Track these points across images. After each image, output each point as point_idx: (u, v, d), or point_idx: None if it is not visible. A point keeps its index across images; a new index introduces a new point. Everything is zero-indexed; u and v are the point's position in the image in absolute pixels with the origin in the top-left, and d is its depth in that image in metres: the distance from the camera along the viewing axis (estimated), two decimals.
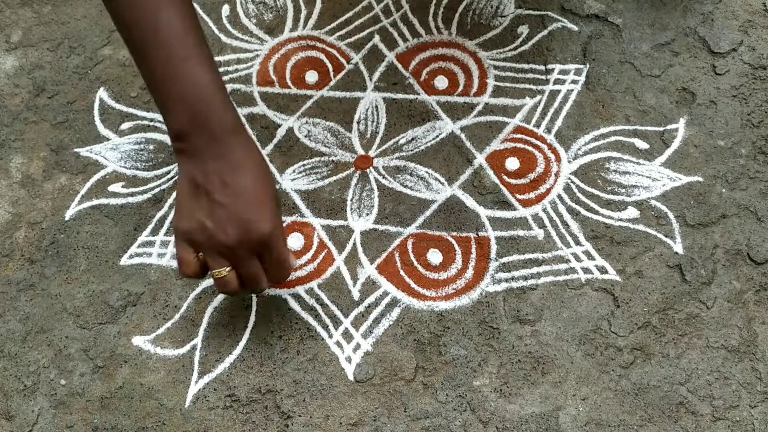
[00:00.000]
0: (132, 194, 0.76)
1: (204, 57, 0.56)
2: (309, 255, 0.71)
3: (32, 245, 0.74)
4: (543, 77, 0.80)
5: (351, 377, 0.65)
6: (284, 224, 0.73)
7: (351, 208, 0.74)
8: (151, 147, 0.79)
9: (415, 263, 0.70)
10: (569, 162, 0.75)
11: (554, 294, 0.67)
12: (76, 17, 0.89)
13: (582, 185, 0.73)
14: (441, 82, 0.80)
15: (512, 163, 0.75)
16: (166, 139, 0.79)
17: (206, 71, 0.55)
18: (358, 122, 0.79)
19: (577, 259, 0.69)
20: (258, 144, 0.58)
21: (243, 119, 0.57)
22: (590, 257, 0.69)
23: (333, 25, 0.86)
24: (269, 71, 0.83)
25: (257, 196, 0.55)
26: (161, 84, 0.56)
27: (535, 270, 0.69)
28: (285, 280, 0.62)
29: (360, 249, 0.71)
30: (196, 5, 0.88)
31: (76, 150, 0.79)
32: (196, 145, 0.55)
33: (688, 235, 0.69)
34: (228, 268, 0.57)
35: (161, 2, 0.54)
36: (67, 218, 0.75)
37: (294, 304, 0.69)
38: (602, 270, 0.68)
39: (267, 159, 0.59)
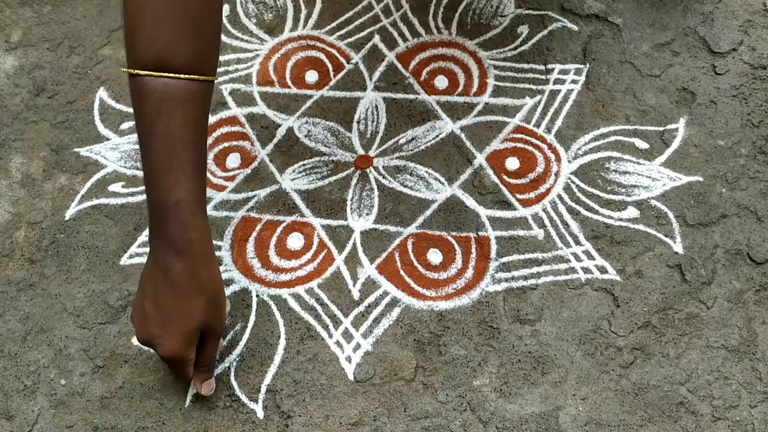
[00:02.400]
0: (132, 194, 0.76)
1: (186, 172, 0.58)
2: (309, 255, 0.71)
3: (32, 245, 0.74)
4: (543, 77, 0.80)
5: (351, 377, 0.65)
6: (284, 224, 0.73)
7: (351, 208, 0.74)
8: None
9: (415, 263, 0.70)
10: (569, 162, 0.75)
11: (554, 294, 0.67)
12: (76, 17, 0.89)
13: (582, 185, 0.73)
14: (441, 81, 0.80)
15: (512, 163, 0.75)
16: None
17: (183, 189, 0.57)
18: (358, 122, 0.79)
19: (577, 258, 0.69)
20: (217, 271, 0.61)
21: (210, 242, 0.60)
22: (590, 257, 0.69)
23: (333, 24, 0.86)
24: (269, 71, 0.83)
25: (173, 323, 0.58)
26: (146, 184, 0.59)
27: (535, 270, 0.69)
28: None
29: (360, 249, 0.71)
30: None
31: (76, 150, 0.79)
32: (154, 249, 0.59)
33: (688, 235, 0.69)
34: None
35: (164, 106, 0.56)
36: (67, 218, 0.75)
37: (294, 304, 0.69)
38: (602, 270, 0.68)
39: (221, 285, 0.63)
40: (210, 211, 0.74)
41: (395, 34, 0.85)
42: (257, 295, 0.69)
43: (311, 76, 0.82)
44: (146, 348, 0.67)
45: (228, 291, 0.70)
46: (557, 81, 0.79)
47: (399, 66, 0.82)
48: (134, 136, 0.80)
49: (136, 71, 0.56)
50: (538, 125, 0.77)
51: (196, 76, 0.57)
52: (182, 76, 0.56)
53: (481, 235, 0.71)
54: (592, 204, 0.72)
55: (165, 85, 0.56)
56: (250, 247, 0.72)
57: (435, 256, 0.70)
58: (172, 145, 0.57)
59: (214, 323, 0.61)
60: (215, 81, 0.82)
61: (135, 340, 0.66)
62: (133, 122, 0.80)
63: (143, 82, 0.56)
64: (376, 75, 0.82)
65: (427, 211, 0.73)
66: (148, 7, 0.54)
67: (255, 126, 0.79)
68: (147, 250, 0.72)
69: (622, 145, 0.75)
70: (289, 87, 0.82)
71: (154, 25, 0.55)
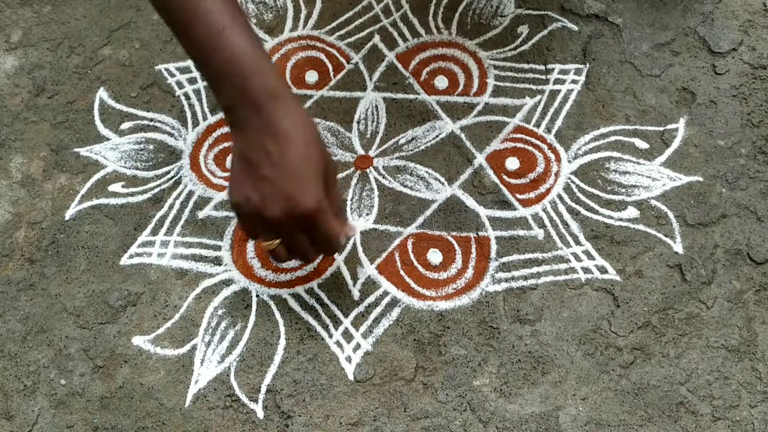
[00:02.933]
0: (132, 194, 0.76)
1: (241, 27, 0.55)
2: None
3: (32, 245, 0.74)
4: (543, 77, 0.80)
5: (351, 377, 0.65)
6: None
7: (351, 208, 0.74)
8: (151, 147, 0.79)
9: (415, 263, 0.70)
10: (569, 162, 0.75)
11: (554, 294, 0.67)
12: (76, 17, 0.89)
13: (582, 185, 0.73)
14: (441, 81, 0.80)
15: (512, 163, 0.75)
16: (166, 138, 0.79)
17: (244, 41, 0.54)
18: (358, 122, 0.79)
19: (577, 258, 0.69)
20: (304, 109, 0.57)
21: (288, 85, 0.56)
22: (590, 257, 0.69)
23: (333, 24, 0.86)
24: None
25: (301, 169, 0.54)
26: (204, 60, 0.55)
27: (535, 270, 0.69)
28: (334, 253, 0.61)
29: (360, 249, 0.71)
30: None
31: (76, 150, 0.79)
32: (241, 117, 0.55)
33: (688, 235, 0.69)
34: (277, 240, 0.57)
35: None
36: (67, 218, 0.75)
37: (294, 304, 0.69)
38: (602, 270, 0.68)
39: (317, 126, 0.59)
40: (210, 211, 0.74)
41: (395, 34, 0.84)
42: (257, 295, 0.69)
43: (311, 76, 0.82)
44: (149, 348, 0.67)
45: (228, 291, 0.70)
46: (557, 81, 0.79)
47: (399, 66, 0.82)
48: (134, 136, 0.80)
49: None
50: (538, 125, 0.77)
51: None
52: None
53: (481, 235, 0.71)
54: (592, 204, 0.72)
55: None
56: (250, 247, 0.72)
57: (435, 256, 0.70)
58: (215, 11, 0.54)
59: (330, 158, 0.58)
60: None
61: (264, 239, 0.58)
62: (133, 122, 0.81)
63: None
64: (376, 75, 0.82)
65: (427, 211, 0.73)
66: None
67: None
68: (147, 250, 0.72)
69: (622, 145, 0.75)
70: (289, 87, 0.82)
71: None
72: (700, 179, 0.72)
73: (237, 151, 0.56)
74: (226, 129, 0.80)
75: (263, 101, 0.54)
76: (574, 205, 0.72)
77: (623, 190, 0.72)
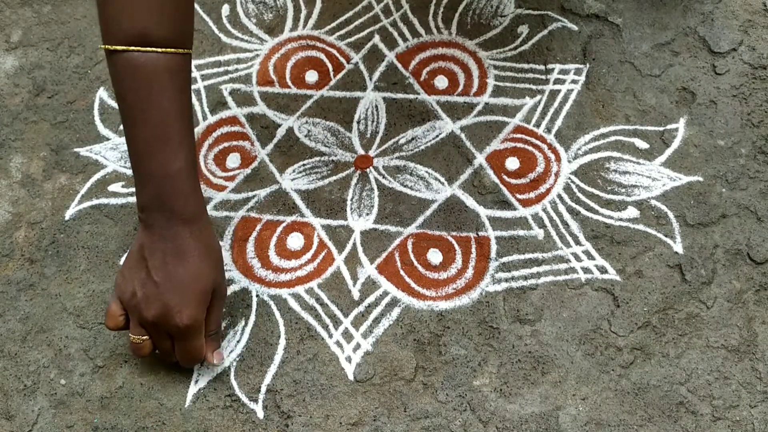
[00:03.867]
0: (132, 194, 0.76)
1: (183, 143, 0.59)
2: (309, 255, 0.71)
3: (32, 245, 0.74)
4: (543, 77, 0.80)
5: (351, 377, 0.65)
6: (284, 224, 0.73)
7: (351, 208, 0.74)
8: None
9: (415, 263, 0.70)
10: (569, 162, 0.75)
11: (554, 294, 0.67)
12: (76, 17, 0.89)
13: (582, 185, 0.73)
14: (441, 81, 0.80)
15: (512, 163, 0.75)
16: None
17: (181, 158, 0.59)
18: (358, 122, 0.79)
19: (577, 258, 0.69)
20: (215, 235, 0.62)
21: (205, 208, 0.62)
22: (590, 257, 0.69)
23: (333, 24, 0.86)
24: (269, 71, 0.83)
25: (188, 287, 0.59)
26: (138, 158, 0.59)
27: (535, 270, 0.69)
28: (191, 366, 0.65)
29: (360, 249, 0.71)
30: (196, 5, 0.88)
31: (76, 150, 0.79)
32: (152, 221, 0.59)
33: (688, 235, 0.69)
34: (145, 337, 0.61)
35: (156, 79, 0.57)
36: (67, 218, 0.75)
37: (294, 304, 0.69)
38: (602, 270, 0.68)
39: (222, 250, 0.64)
40: (210, 211, 0.74)
41: (395, 34, 0.85)
42: (257, 295, 0.69)
43: (311, 76, 0.82)
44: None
45: (228, 291, 0.70)
46: (557, 81, 0.79)
47: (399, 66, 0.82)
48: None
49: (123, 47, 0.56)
50: (538, 125, 0.77)
51: (180, 50, 0.58)
52: (169, 50, 0.57)
53: (481, 235, 0.71)
54: (592, 204, 0.72)
55: (155, 60, 0.56)
56: (250, 247, 0.72)
57: (435, 256, 0.70)
58: (167, 118, 0.58)
59: (222, 283, 0.62)
60: (216, 81, 0.83)
61: (132, 332, 0.62)
62: None
63: (131, 58, 0.56)
64: (376, 75, 0.82)
65: (427, 211, 0.73)
66: None
67: (255, 126, 0.79)
68: None
69: (622, 145, 0.75)
70: (289, 87, 0.82)
71: (135, 2, 0.55)
72: (700, 179, 0.72)
73: (138, 246, 0.60)
74: (225, 129, 0.80)
75: (177, 220, 0.59)
76: (574, 205, 0.72)
77: (623, 190, 0.72)
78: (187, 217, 0.59)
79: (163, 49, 0.57)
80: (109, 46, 0.57)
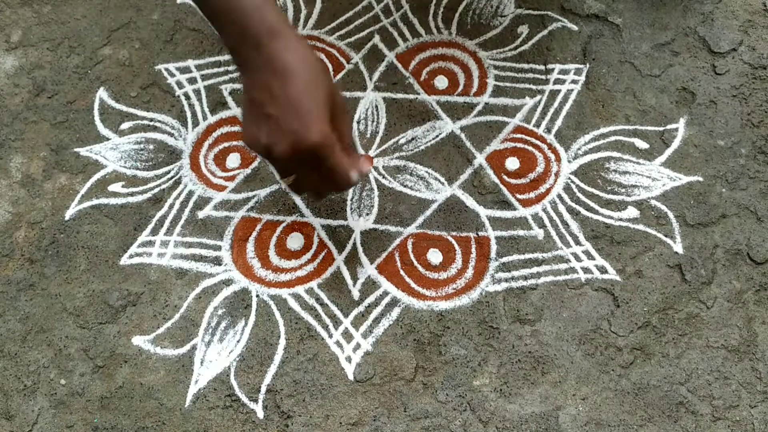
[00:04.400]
0: (132, 194, 0.76)
1: None
2: (309, 255, 0.71)
3: (32, 245, 0.74)
4: (543, 77, 0.80)
5: (351, 377, 0.65)
6: (284, 224, 0.73)
7: (351, 208, 0.74)
8: (151, 147, 0.79)
9: (415, 263, 0.70)
10: (569, 162, 0.75)
11: (554, 294, 0.67)
12: (76, 17, 0.89)
13: (582, 185, 0.73)
14: (441, 81, 0.80)
15: (512, 163, 0.75)
16: (166, 138, 0.79)
17: None
18: (359, 122, 0.79)
19: (577, 258, 0.69)
20: (308, 44, 0.57)
21: (289, 22, 0.56)
22: (590, 257, 0.69)
23: (333, 24, 0.86)
24: None
25: (303, 104, 0.54)
26: (210, 5, 0.56)
27: (535, 270, 0.69)
28: (345, 190, 0.60)
29: (360, 249, 0.71)
30: (195, 5, 0.88)
31: (76, 150, 0.79)
32: (244, 56, 0.55)
33: (688, 235, 0.69)
34: (292, 177, 0.58)
35: None
36: (67, 218, 0.75)
37: (294, 304, 0.69)
38: (602, 270, 0.68)
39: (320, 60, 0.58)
40: (210, 211, 0.74)
41: (395, 34, 0.84)
42: (257, 295, 0.69)
43: None
44: (149, 348, 0.67)
45: (228, 291, 0.70)
46: (557, 81, 0.79)
47: (399, 66, 0.82)
48: (134, 136, 0.80)
49: None
50: (538, 125, 0.77)
51: None
52: None
53: (481, 235, 0.71)
54: (592, 204, 0.72)
55: None
56: (250, 247, 0.72)
57: (435, 256, 0.70)
58: None
59: (336, 91, 0.58)
60: (216, 81, 0.83)
61: (281, 177, 0.57)
62: (133, 122, 0.80)
63: None
64: (376, 75, 0.82)
65: (427, 211, 0.73)
66: None
67: None
68: (147, 250, 0.72)
69: (622, 145, 0.75)
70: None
71: None
72: (700, 179, 0.72)
73: (245, 92, 0.56)
74: (225, 129, 0.80)
75: (263, 38, 0.54)
76: (574, 205, 0.72)
77: (623, 190, 0.72)
78: (273, 31, 0.54)
79: None
80: None
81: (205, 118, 0.80)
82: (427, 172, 0.75)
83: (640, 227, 0.70)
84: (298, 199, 0.74)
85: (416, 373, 0.65)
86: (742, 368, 0.63)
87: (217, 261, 0.71)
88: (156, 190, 0.76)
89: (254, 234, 0.73)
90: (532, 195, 0.73)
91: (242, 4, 0.54)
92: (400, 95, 0.80)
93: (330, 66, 0.83)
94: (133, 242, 0.73)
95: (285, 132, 0.53)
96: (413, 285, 0.69)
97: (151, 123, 0.80)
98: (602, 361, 0.64)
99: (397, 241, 0.71)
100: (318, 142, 0.53)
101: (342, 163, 0.56)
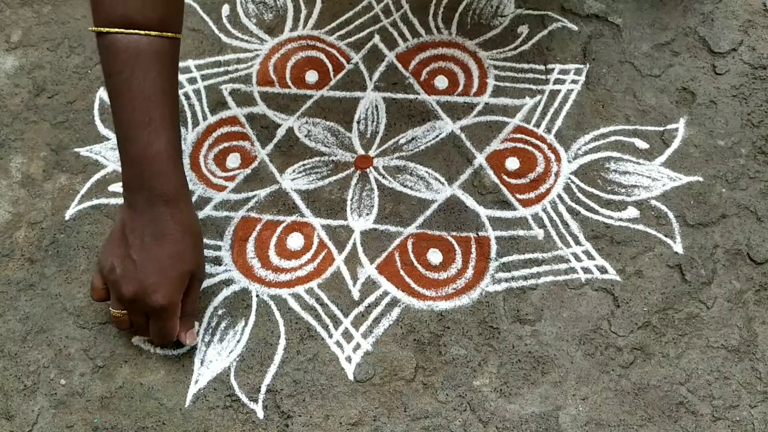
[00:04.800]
0: None
1: (165, 124, 0.60)
2: (309, 255, 0.71)
3: (32, 245, 0.74)
4: (543, 77, 0.80)
5: (351, 377, 0.65)
6: (284, 224, 0.73)
7: (351, 208, 0.74)
8: None
9: (415, 263, 0.70)
10: (569, 162, 0.75)
11: (554, 294, 0.67)
12: (76, 17, 0.89)
13: (582, 185, 0.73)
14: (441, 81, 0.80)
15: (512, 163, 0.75)
16: None
17: (163, 140, 0.60)
18: (358, 122, 0.79)
19: (577, 259, 0.69)
20: (196, 217, 0.64)
21: (188, 189, 0.63)
22: (590, 257, 0.69)
23: (333, 24, 0.86)
24: (269, 71, 0.83)
25: (165, 268, 0.60)
26: (120, 140, 0.60)
27: (535, 270, 0.69)
28: (164, 346, 0.67)
29: (360, 249, 0.71)
30: (195, 5, 0.88)
31: (76, 150, 0.79)
32: (134, 201, 0.61)
33: (688, 235, 0.69)
34: (124, 311, 0.63)
35: (138, 61, 0.58)
36: (67, 218, 0.75)
37: (294, 304, 0.69)
38: (602, 270, 0.68)
39: (201, 234, 0.65)
40: (210, 211, 0.74)
41: (395, 34, 0.85)
42: (257, 295, 0.69)
43: (311, 76, 0.82)
44: (149, 348, 0.67)
45: (228, 291, 0.70)
46: (557, 81, 0.79)
47: (399, 66, 0.82)
48: None
49: (107, 29, 0.58)
50: (538, 125, 0.77)
51: (165, 33, 0.59)
52: (153, 33, 0.58)
53: (481, 235, 0.71)
54: (592, 204, 0.72)
55: (137, 42, 0.58)
56: (250, 247, 0.72)
57: (435, 256, 0.70)
58: (149, 99, 0.59)
59: (201, 266, 0.64)
60: (216, 81, 0.83)
61: (112, 306, 0.63)
62: None
63: (115, 40, 0.58)
64: (376, 75, 0.82)
65: (427, 211, 0.73)
66: None
67: (255, 126, 0.79)
68: None
69: (622, 145, 0.75)
70: (289, 87, 0.82)
71: None
72: (700, 179, 0.72)
73: (120, 223, 0.62)
74: (225, 129, 0.80)
75: (157, 200, 0.60)
76: (574, 205, 0.72)
77: (623, 190, 0.72)
78: (167, 197, 0.60)
79: (146, 32, 0.58)
80: (96, 28, 0.59)
81: (205, 118, 0.80)
82: (427, 172, 0.75)
83: (640, 227, 0.70)
84: (298, 199, 0.74)
85: (416, 373, 0.65)
86: (742, 368, 0.63)
87: (217, 261, 0.71)
88: None
89: (254, 234, 0.73)
90: (532, 195, 0.73)
91: (153, 165, 0.60)
92: (400, 95, 0.80)
93: (330, 66, 0.83)
94: None
95: (138, 281, 0.59)
96: (413, 285, 0.69)
97: None
98: (602, 361, 0.64)
99: (397, 241, 0.71)
100: (161, 304, 0.60)
101: (172, 329, 0.62)
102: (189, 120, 0.80)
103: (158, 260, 0.60)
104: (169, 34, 0.60)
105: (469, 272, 0.69)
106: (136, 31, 0.58)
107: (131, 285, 0.60)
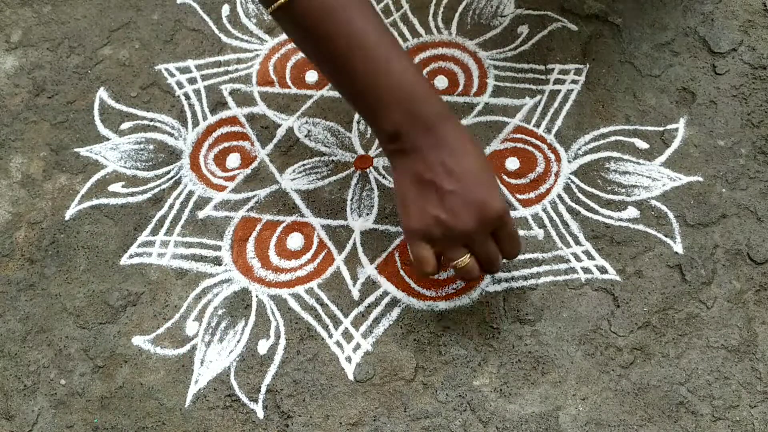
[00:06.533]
0: (132, 194, 0.76)
1: (402, 53, 0.56)
2: (309, 255, 0.71)
3: (32, 245, 0.74)
4: (543, 77, 0.80)
5: (351, 377, 0.65)
6: (284, 224, 0.73)
7: (351, 208, 0.74)
8: (151, 147, 0.79)
9: None
10: (569, 162, 0.75)
11: (554, 294, 0.67)
12: (76, 17, 0.89)
13: (582, 185, 0.73)
14: (441, 81, 0.80)
15: (512, 163, 0.75)
16: (166, 138, 0.79)
17: (409, 67, 0.56)
18: (358, 122, 0.79)
19: (577, 259, 0.69)
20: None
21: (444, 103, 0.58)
22: (590, 257, 0.69)
23: None
24: (269, 71, 0.83)
25: (482, 176, 0.55)
26: (369, 89, 0.56)
27: (535, 270, 0.69)
28: (518, 254, 0.61)
29: (360, 249, 0.71)
30: (195, 5, 0.88)
31: (76, 150, 0.79)
32: (413, 140, 0.55)
33: (688, 235, 0.69)
34: (468, 256, 0.57)
35: (352, 13, 0.55)
36: (67, 218, 0.75)
37: (294, 304, 0.69)
38: (602, 270, 0.68)
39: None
40: (210, 211, 0.74)
41: (395, 34, 0.84)
42: (257, 295, 0.69)
43: (311, 76, 0.82)
44: (149, 348, 0.67)
45: (228, 291, 0.70)
46: (557, 81, 0.79)
47: None
48: (134, 136, 0.80)
49: None
50: (538, 125, 0.77)
51: None
52: None
53: None
54: (592, 204, 0.72)
55: None
56: (250, 247, 0.72)
57: None
58: (382, 27, 0.56)
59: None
60: (216, 81, 0.83)
61: (454, 259, 0.56)
62: (133, 122, 0.80)
63: None
64: None
65: None
66: None
67: (255, 126, 0.79)
68: (147, 250, 0.72)
69: (622, 145, 0.75)
70: (289, 87, 0.82)
71: None
72: (700, 179, 0.72)
73: (408, 175, 0.56)
74: (225, 129, 0.80)
75: (434, 122, 0.55)
76: (574, 205, 0.72)
77: (623, 190, 0.72)
78: (440, 115, 0.56)
79: None
80: None
81: (205, 118, 0.80)
82: None
83: (640, 227, 0.70)
84: (298, 199, 0.74)
85: (416, 373, 0.65)
86: (742, 368, 0.63)
87: (217, 261, 0.71)
88: (156, 190, 0.76)
89: (254, 234, 0.73)
90: (532, 195, 0.73)
91: (414, 91, 0.55)
92: None
93: None
94: (133, 242, 0.73)
95: (469, 203, 0.54)
96: (413, 285, 0.69)
97: (151, 123, 0.81)
98: (602, 361, 0.64)
99: (397, 241, 0.71)
100: (503, 208, 0.55)
101: (515, 228, 0.58)
102: (189, 120, 0.80)
103: (473, 175, 0.55)
104: None
105: None
106: None
107: (467, 213, 0.54)
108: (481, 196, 0.54)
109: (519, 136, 0.76)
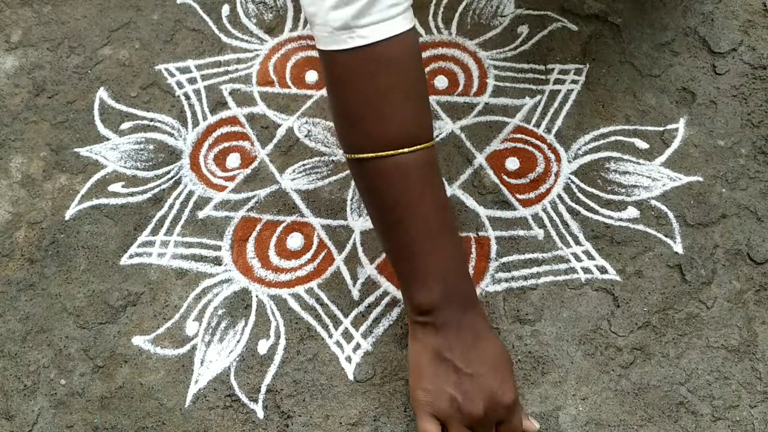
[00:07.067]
0: (132, 194, 0.76)
1: (454, 231, 0.59)
2: (309, 255, 0.71)
3: (32, 245, 0.74)
4: (543, 77, 0.80)
5: (351, 377, 0.65)
6: (284, 224, 0.73)
7: (351, 208, 0.74)
8: (151, 147, 0.79)
9: None
10: (569, 162, 0.75)
11: (554, 294, 0.67)
12: (76, 17, 0.89)
13: (582, 185, 0.73)
14: (441, 81, 0.80)
15: (512, 163, 0.75)
16: (166, 139, 0.79)
17: (457, 245, 0.58)
18: None
19: (577, 258, 0.69)
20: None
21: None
22: (590, 257, 0.69)
23: None
24: (269, 71, 0.83)
25: (500, 366, 0.57)
26: (417, 258, 0.57)
27: (535, 270, 0.69)
28: None
29: (360, 249, 0.71)
30: (195, 5, 0.88)
31: (76, 150, 0.79)
32: (444, 318, 0.57)
33: (688, 235, 0.69)
34: None
35: (424, 176, 0.56)
36: (67, 218, 0.75)
37: (294, 304, 0.69)
38: (602, 270, 0.68)
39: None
40: (210, 211, 0.74)
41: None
42: (257, 295, 0.69)
43: (311, 76, 0.82)
44: (149, 348, 0.67)
45: (228, 291, 0.70)
46: (557, 81, 0.79)
47: None
48: (134, 136, 0.80)
49: (390, 152, 0.55)
50: (538, 125, 0.77)
51: (430, 143, 0.57)
52: (427, 144, 0.56)
53: (481, 235, 0.71)
54: (592, 204, 0.72)
55: (421, 157, 0.56)
56: (250, 247, 0.72)
57: None
58: (442, 206, 0.58)
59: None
60: (216, 81, 0.83)
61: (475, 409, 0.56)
62: (133, 122, 0.80)
63: (400, 160, 0.55)
64: None
65: None
66: (396, 88, 0.55)
67: (255, 126, 0.79)
68: (147, 250, 0.72)
69: (622, 145, 0.75)
70: (289, 87, 0.82)
71: (403, 104, 0.55)
72: (700, 179, 0.72)
73: (430, 350, 0.57)
74: (225, 129, 0.80)
75: (466, 306, 0.57)
76: (574, 205, 0.72)
77: (623, 190, 0.72)
78: (472, 300, 0.58)
79: (423, 145, 0.56)
80: (371, 154, 0.55)
81: (205, 118, 0.80)
82: None
83: (640, 227, 0.70)
84: (298, 199, 0.74)
85: None
86: (742, 368, 0.63)
87: (217, 261, 0.71)
88: (156, 190, 0.76)
89: (254, 234, 0.73)
90: (532, 195, 0.73)
91: (456, 271, 0.58)
92: None
93: None
94: (133, 242, 0.73)
95: (484, 390, 0.56)
96: None
97: (151, 123, 0.80)
98: (602, 361, 0.64)
99: None
100: (513, 400, 0.56)
101: (521, 419, 0.58)
102: (189, 120, 0.80)
103: (490, 361, 0.57)
104: (431, 143, 0.57)
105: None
106: (417, 147, 0.55)
107: (480, 401, 0.55)
108: (495, 386, 0.56)
109: (519, 136, 0.76)
